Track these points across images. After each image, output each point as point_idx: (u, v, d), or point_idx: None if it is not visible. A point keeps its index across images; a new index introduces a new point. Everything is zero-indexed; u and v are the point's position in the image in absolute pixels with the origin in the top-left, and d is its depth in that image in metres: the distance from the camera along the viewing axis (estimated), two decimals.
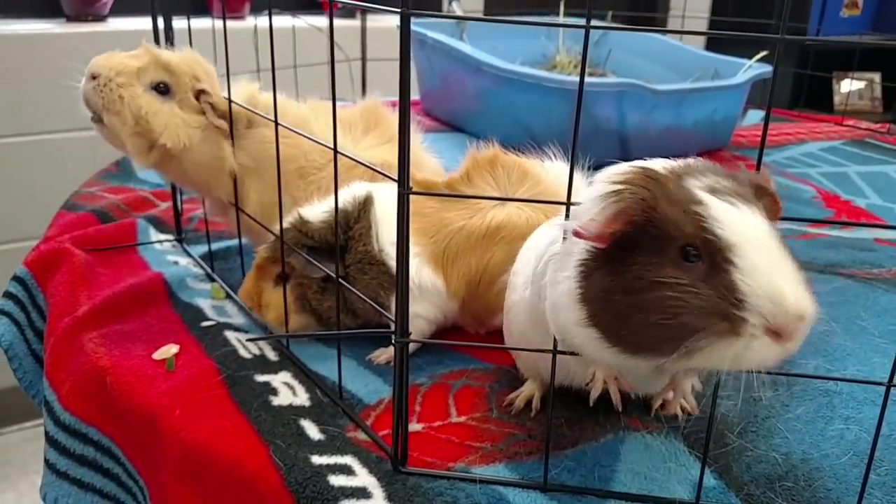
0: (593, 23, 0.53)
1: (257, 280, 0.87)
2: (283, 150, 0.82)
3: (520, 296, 0.70)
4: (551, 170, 0.90)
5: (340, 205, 0.84)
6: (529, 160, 0.90)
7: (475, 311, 0.87)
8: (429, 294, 0.83)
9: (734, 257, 0.45)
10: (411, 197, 0.85)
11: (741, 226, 0.46)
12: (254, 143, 0.95)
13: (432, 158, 1.06)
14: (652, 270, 0.47)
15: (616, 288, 0.48)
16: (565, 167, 0.90)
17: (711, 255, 0.46)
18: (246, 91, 0.97)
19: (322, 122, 0.99)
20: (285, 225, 0.84)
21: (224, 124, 0.93)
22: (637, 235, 0.48)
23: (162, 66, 0.92)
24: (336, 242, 0.81)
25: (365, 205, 0.85)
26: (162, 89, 0.92)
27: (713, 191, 0.48)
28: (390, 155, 0.94)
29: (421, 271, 0.83)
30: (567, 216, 0.56)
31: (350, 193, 0.86)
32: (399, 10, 0.54)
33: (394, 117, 1.03)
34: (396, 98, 0.57)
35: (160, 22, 1.10)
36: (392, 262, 0.81)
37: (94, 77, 0.90)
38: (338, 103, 0.73)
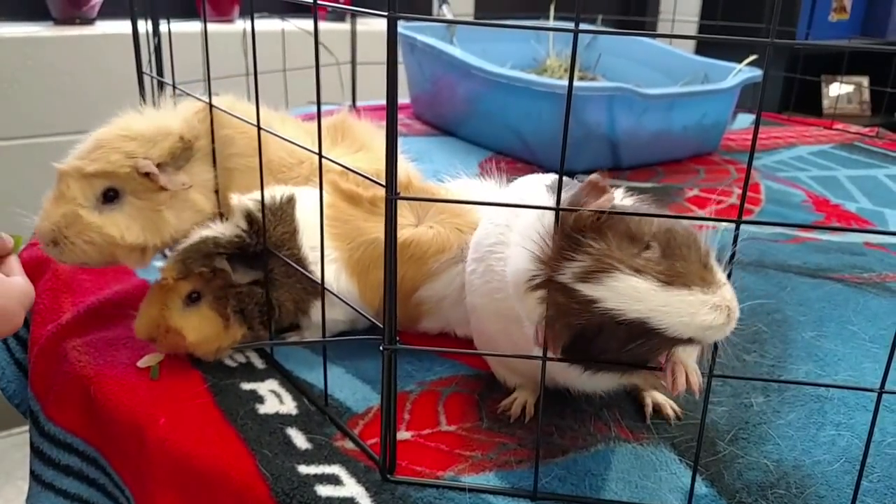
0: (582, 27, 0.52)
1: (162, 303, 0.80)
2: (247, 144, 0.78)
3: (480, 297, 0.72)
4: (452, 189, 0.96)
5: (260, 206, 0.81)
6: (432, 185, 0.98)
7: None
8: (345, 299, 0.81)
9: None
10: (332, 203, 0.84)
11: None
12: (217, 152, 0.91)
13: (408, 164, 1.05)
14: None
15: None
16: (466, 184, 0.96)
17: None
18: (193, 110, 0.90)
19: (289, 127, 0.97)
20: (202, 235, 0.82)
21: (185, 181, 0.87)
22: None
23: (95, 177, 0.83)
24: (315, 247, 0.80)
25: (287, 207, 0.84)
26: (111, 196, 0.84)
27: None
28: (362, 163, 0.93)
29: (339, 277, 0.84)
30: (557, 220, 0.58)
31: (269, 196, 0.83)
32: (385, 13, 0.53)
33: (361, 127, 1.02)
34: (385, 101, 0.56)
35: (148, 25, 1.09)
36: (313, 267, 0.81)
37: (54, 244, 0.84)
38: (326, 108, 0.72)
